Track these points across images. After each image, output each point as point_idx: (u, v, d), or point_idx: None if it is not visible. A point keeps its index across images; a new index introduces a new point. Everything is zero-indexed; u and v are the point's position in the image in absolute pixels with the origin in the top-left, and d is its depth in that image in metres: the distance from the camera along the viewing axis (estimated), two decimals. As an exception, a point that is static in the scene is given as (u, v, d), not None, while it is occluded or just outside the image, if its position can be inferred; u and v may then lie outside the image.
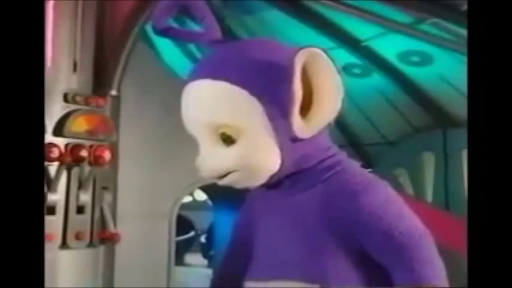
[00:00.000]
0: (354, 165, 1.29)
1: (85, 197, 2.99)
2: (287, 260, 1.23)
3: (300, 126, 1.20)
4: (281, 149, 1.22)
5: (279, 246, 1.26)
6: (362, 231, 1.18)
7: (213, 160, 1.24)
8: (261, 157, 1.22)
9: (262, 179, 1.24)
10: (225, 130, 1.21)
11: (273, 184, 1.26)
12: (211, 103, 1.22)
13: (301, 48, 1.16)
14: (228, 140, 1.21)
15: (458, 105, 5.15)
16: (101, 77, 3.16)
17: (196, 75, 1.25)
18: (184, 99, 1.26)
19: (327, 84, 1.20)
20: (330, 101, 1.21)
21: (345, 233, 1.19)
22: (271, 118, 1.20)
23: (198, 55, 4.80)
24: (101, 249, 3.13)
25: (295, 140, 1.21)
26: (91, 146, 2.98)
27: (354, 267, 1.19)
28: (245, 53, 1.25)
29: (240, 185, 1.27)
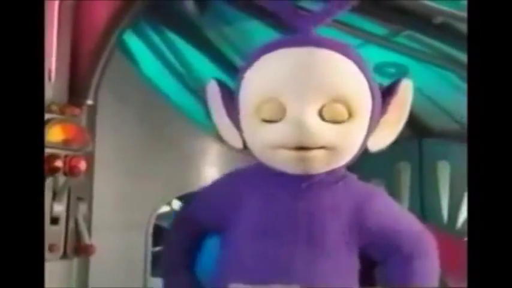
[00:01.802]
0: (354, 177, 1.44)
1: (59, 208, 2.93)
2: (287, 264, 1.24)
3: (375, 141, 1.38)
4: (358, 151, 1.36)
5: (277, 250, 1.27)
6: (366, 229, 1.26)
7: (318, 130, 1.27)
8: (353, 148, 1.32)
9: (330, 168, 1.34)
10: (347, 106, 1.28)
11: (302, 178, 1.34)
12: (349, 76, 1.32)
13: (404, 78, 1.39)
14: (340, 115, 1.27)
15: (433, 116, 5.22)
16: (77, 85, 3.12)
17: (317, 43, 1.38)
18: (297, 61, 1.32)
19: (405, 111, 1.37)
20: (400, 126, 1.38)
21: (348, 232, 1.26)
22: (371, 119, 1.33)
23: (177, 66, 4.77)
24: (75, 261, 3.07)
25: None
26: (66, 156, 2.93)
27: (353, 270, 1.27)
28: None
29: (310, 166, 1.31)
